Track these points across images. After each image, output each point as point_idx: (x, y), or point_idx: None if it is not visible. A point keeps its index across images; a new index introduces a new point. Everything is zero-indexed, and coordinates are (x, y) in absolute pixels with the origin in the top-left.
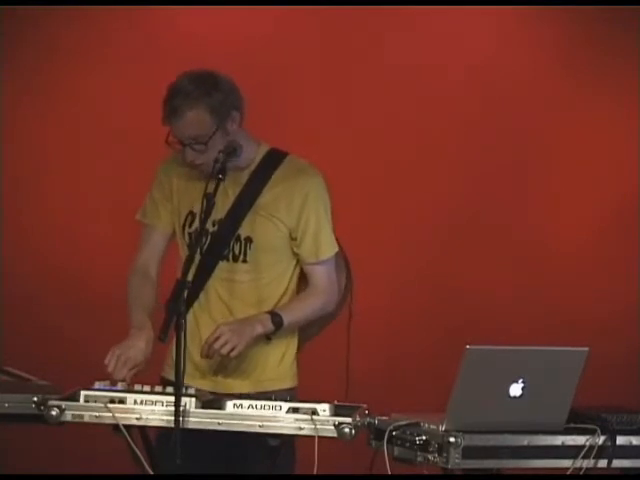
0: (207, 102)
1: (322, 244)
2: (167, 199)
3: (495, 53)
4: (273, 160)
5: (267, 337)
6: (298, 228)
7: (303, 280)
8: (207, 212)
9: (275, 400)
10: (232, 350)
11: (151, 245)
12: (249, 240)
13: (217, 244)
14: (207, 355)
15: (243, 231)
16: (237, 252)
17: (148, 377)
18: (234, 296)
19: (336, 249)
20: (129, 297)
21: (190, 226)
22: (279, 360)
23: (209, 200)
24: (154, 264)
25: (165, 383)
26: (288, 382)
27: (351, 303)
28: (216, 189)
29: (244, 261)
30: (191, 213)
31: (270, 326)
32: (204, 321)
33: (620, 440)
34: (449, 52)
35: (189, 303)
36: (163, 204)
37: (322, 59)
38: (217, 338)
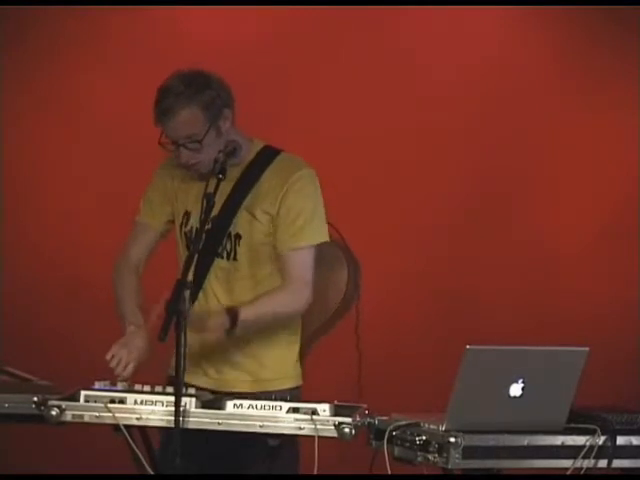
0: (199, 100)
1: (300, 232)
2: (165, 200)
3: (495, 53)
4: (266, 157)
5: (227, 332)
6: (278, 215)
7: None
8: (207, 212)
9: (275, 400)
10: None
11: (143, 242)
12: (238, 237)
13: (211, 242)
14: None
15: (233, 228)
16: (229, 249)
17: (149, 376)
18: (230, 294)
19: (321, 239)
20: (120, 288)
21: (186, 225)
22: (282, 360)
23: (209, 200)
24: (143, 262)
25: (172, 382)
26: (291, 382)
27: (358, 303)
28: (216, 189)
29: (234, 259)
30: (186, 213)
31: (224, 319)
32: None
33: (620, 440)
34: (449, 52)
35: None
36: (159, 203)
37: (322, 58)
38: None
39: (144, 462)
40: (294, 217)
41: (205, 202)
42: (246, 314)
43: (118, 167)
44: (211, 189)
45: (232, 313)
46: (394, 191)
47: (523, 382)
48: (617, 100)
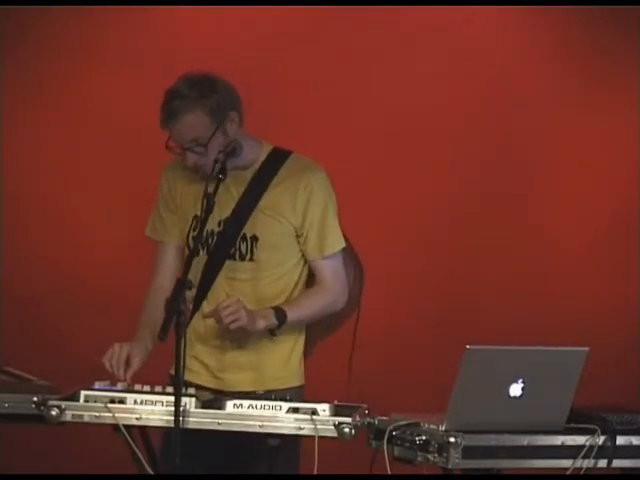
0: (204, 104)
1: (328, 239)
2: (171, 211)
3: (495, 53)
4: (277, 159)
5: (272, 333)
6: (304, 225)
7: (311, 281)
8: (207, 212)
9: (275, 399)
10: (232, 322)
11: (165, 264)
12: (255, 239)
13: (223, 243)
14: (210, 316)
15: (248, 230)
16: (244, 251)
17: (151, 375)
18: (241, 295)
19: (343, 245)
20: (139, 320)
21: (195, 230)
22: (287, 358)
23: (209, 200)
24: (171, 283)
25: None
26: (296, 381)
27: (360, 302)
28: (216, 189)
29: (251, 259)
30: (196, 217)
31: (273, 321)
32: (211, 321)
33: (620, 440)
34: (449, 52)
35: (197, 304)
36: (169, 217)
37: (321, 59)
38: (227, 307)
39: (144, 462)
40: (320, 227)
41: (205, 202)
42: (292, 315)
43: (119, 167)
44: (212, 190)
45: (280, 314)
46: (394, 191)
47: (523, 382)
48: (617, 100)
